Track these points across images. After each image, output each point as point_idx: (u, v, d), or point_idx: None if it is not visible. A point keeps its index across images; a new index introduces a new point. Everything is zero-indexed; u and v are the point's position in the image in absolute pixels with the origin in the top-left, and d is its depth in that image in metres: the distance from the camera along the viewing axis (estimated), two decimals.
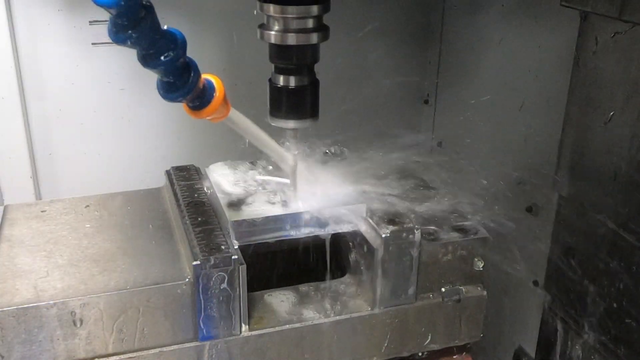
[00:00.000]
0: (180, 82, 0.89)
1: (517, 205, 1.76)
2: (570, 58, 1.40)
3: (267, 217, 1.15)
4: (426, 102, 2.11)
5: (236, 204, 1.20)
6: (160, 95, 0.91)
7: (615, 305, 1.36)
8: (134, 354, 1.05)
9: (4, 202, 1.68)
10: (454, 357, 1.26)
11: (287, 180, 1.22)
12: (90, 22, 1.66)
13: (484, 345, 1.31)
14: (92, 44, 1.69)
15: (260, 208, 1.20)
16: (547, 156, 1.55)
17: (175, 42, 0.85)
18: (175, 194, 1.25)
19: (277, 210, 1.19)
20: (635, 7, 1.16)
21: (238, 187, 1.26)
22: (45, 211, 1.26)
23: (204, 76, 0.94)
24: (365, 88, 1.99)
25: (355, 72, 1.97)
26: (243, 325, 1.09)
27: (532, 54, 1.68)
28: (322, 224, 1.18)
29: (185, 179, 1.30)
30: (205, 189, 1.26)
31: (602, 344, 1.40)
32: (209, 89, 0.95)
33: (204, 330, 1.06)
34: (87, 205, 1.28)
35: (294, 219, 1.16)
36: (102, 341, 1.03)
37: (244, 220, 1.13)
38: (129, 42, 0.80)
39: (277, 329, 1.11)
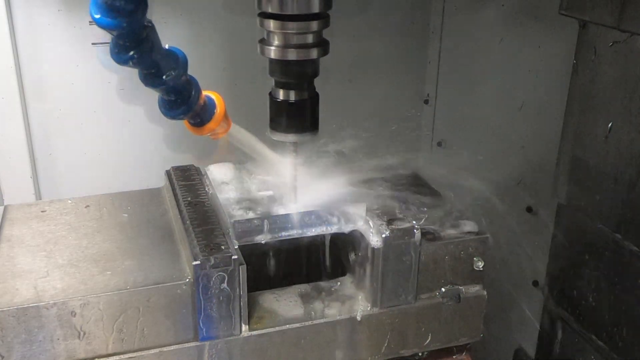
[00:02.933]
0: (182, 100, 0.90)
1: (517, 205, 1.76)
2: (570, 57, 1.40)
3: (267, 217, 1.15)
4: (426, 102, 2.11)
5: (236, 203, 1.20)
6: (162, 113, 0.91)
7: (614, 306, 1.36)
8: (134, 354, 1.05)
9: (4, 202, 1.68)
10: (454, 357, 1.26)
11: (287, 180, 1.22)
12: (90, 22, 1.66)
13: (484, 345, 1.31)
14: (92, 44, 1.69)
15: (260, 208, 1.20)
16: (547, 156, 1.55)
17: (176, 61, 0.86)
18: (175, 194, 1.25)
19: (276, 210, 1.20)
20: (633, 17, 1.16)
21: (238, 187, 1.26)
22: (45, 211, 1.26)
23: (205, 93, 0.95)
24: (365, 88, 1.99)
25: (356, 72, 1.97)
26: (243, 325, 1.09)
27: (532, 54, 1.68)
28: (321, 224, 1.18)
29: (185, 179, 1.30)
30: (205, 189, 1.26)
31: (600, 345, 1.40)
32: (209, 105, 0.96)
33: (204, 330, 1.06)
34: (87, 205, 1.28)
35: (293, 219, 1.16)
36: (102, 341, 1.03)
37: (244, 220, 1.13)
38: (130, 63, 0.81)
39: (277, 329, 1.11)
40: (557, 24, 1.53)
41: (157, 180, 1.37)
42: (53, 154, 1.76)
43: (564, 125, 1.44)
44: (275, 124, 1.15)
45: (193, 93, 0.91)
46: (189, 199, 1.22)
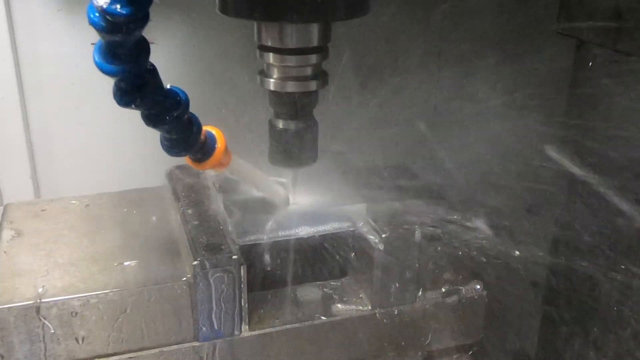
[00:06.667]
0: (183, 138, 0.91)
1: (517, 205, 1.76)
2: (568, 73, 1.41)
3: (267, 217, 1.15)
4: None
5: (236, 203, 1.20)
6: (164, 150, 0.92)
7: (614, 307, 1.36)
8: (134, 354, 1.05)
9: (3, 202, 1.68)
10: (454, 357, 1.26)
11: (286, 180, 1.22)
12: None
13: (484, 345, 1.31)
14: (92, 44, 1.68)
15: (260, 207, 1.20)
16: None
17: (178, 101, 0.86)
18: (175, 194, 1.25)
19: (276, 210, 1.19)
20: (629, 38, 1.17)
21: (238, 186, 1.26)
22: (45, 210, 1.25)
23: (205, 128, 0.97)
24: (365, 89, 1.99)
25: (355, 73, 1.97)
26: (243, 325, 1.09)
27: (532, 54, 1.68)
28: (322, 223, 1.18)
29: (186, 179, 1.30)
30: (205, 188, 1.26)
31: (601, 345, 1.40)
32: (210, 141, 0.97)
33: (204, 330, 1.06)
34: (87, 205, 1.28)
35: (293, 218, 1.16)
36: (102, 341, 1.02)
37: (244, 220, 1.13)
38: (133, 105, 0.81)
39: (278, 328, 1.11)
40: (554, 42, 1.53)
41: (158, 179, 1.37)
42: (52, 153, 1.76)
43: (562, 139, 1.45)
44: (275, 153, 1.17)
45: (194, 131, 0.92)
46: (190, 198, 1.22)
